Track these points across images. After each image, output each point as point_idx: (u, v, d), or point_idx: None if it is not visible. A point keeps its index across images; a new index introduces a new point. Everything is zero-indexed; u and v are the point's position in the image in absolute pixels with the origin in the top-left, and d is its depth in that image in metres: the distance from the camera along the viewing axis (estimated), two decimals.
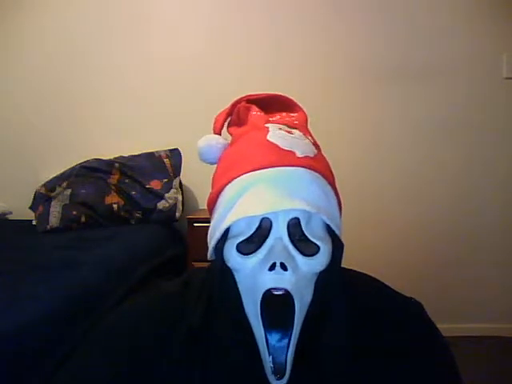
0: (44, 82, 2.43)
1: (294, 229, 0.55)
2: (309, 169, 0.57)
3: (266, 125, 0.62)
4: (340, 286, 0.60)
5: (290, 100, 0.71)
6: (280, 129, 0.61)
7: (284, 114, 0.67)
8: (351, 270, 0.71)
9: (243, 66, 2.36)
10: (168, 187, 2.16)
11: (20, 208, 2.28)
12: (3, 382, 0.94)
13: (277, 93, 0.71)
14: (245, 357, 0.58)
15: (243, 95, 0.69)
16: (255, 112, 0.65)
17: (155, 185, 2.15)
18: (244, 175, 0.57)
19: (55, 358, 1.09)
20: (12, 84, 2.46)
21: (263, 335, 0.56)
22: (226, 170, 0.60)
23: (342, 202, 0.63)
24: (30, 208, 2.18)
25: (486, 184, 2.33)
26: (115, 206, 2.09)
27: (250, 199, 0.55)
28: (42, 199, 2.12)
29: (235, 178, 0.57)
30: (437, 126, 2.33)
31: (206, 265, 0.70)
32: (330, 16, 2.33)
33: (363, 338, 0.61)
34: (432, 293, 2.04)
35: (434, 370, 0.62)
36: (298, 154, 0.57)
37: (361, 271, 0.72)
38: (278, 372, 0.56)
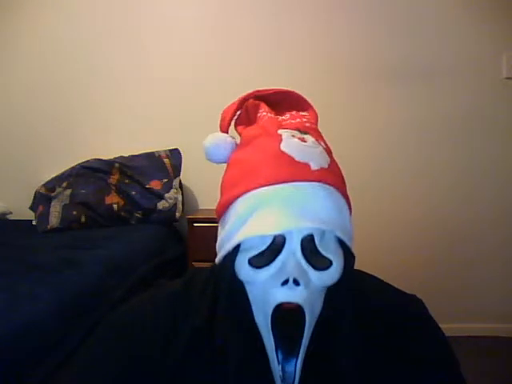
0: (43, 82, 2.42)
1: (308, 244, 0.55)
2: (323, 183, 0.56)
3: (279, 131, 0.60)
4: (350, 296, 0.59)
5: (301, 97, 0.69)
6: (293, 136, 0.59)
7: (294, 112, 0.66)
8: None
9: (243, 65, 2.35)
10: (168, 187, 2.16)
11: (20, 208, 2.29)
12: (3, 381, 0.94)
13: (287, 89, 0.69)
14: (252, 356, 0.58)
15: (251, 90, 0.67)
16: (265, 113, 0.63)
17: (155, 185, 2.15)
18: (257, 190, 0.55)
19: (55, 357, 1.09)
20: (11, 84, 2.46)
21: (273, 346, 0.56)
22: (239, 179, 0.58)
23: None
24: (30, 208, 2.18)
25: (487, 183, 2.33)
26: (115, 205, 2.09)
27: (263, 217, 0.54)
28: (41, 199, 2.12)
29: (248, 191, 0.56)
30: (437, 125, 2.33)
31: (206, 265, 0.70)
32: (332, 16, 2.33)
33: (365, 336, 0.61)
34: (432, 292, 2.03)
35: (434, 368, 0.62)
36: (313, 167, 0.56)
37: (360, 269, 0.72)
38: (288, 381, 0.56)
